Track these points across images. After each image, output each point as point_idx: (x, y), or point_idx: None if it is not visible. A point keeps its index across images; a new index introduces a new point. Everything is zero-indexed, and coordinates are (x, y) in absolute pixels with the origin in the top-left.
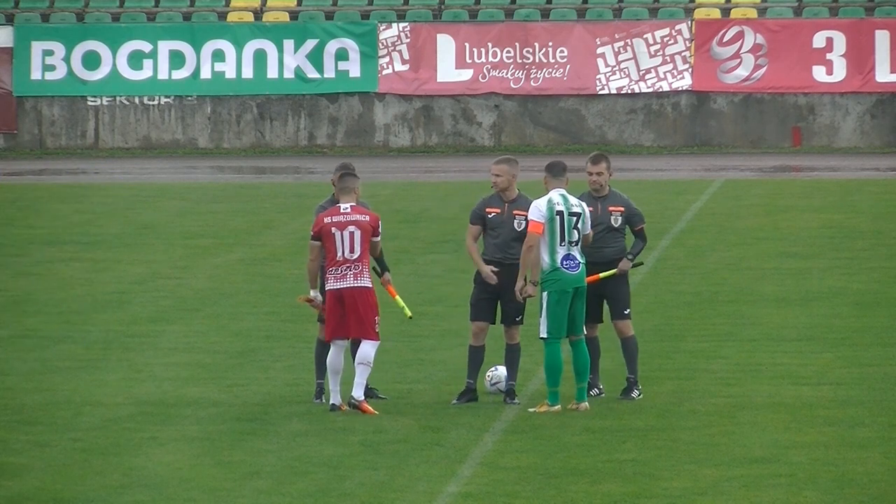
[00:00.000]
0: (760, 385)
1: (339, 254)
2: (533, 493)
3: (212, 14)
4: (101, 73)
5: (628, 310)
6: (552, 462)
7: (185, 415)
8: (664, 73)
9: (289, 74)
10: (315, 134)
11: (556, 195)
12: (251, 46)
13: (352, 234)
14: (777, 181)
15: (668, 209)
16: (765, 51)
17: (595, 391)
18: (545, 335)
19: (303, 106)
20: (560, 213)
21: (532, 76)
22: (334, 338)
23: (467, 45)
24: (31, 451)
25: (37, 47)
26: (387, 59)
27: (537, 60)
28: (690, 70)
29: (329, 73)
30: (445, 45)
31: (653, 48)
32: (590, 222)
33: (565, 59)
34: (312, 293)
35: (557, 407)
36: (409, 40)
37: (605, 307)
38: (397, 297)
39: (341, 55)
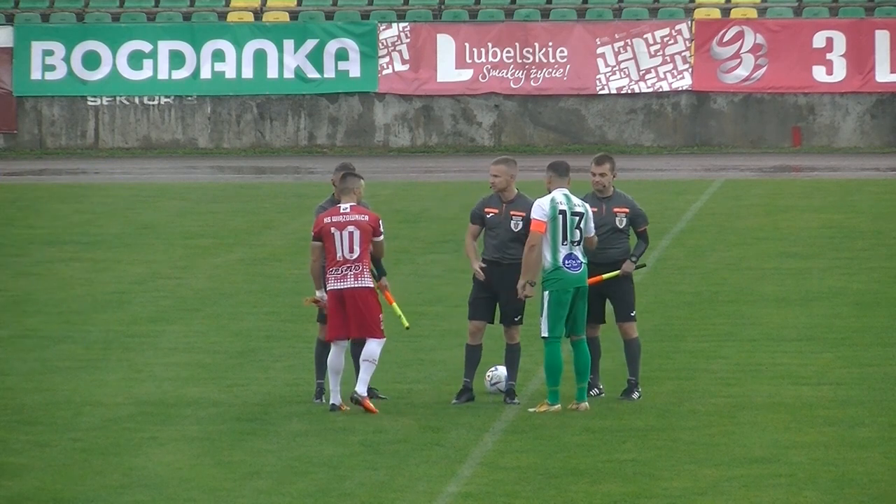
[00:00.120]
0: (760, 385)
1: (339, 254)
2: (533, 493)
3: (212, 14)
4: (101, 73)
5: (634, 312)
6: (552, 462)
7: (185, 415)
8: (664, 73)
9: (289, 74)
10: (315, 134)
11: (559, 194)
12: (251, 46)
13: (351, 234)
14: (777, 181)
15: (668, 209)
16: (765, 51)
17: (595, 391)
18: (546, 334)
19: (303, 106)
20: (563, 212)
21: (532, 76)
22: (335, 338)
23: (467, 45)
24: (31, 451)
25: (37, 47)
26: (387, 59)
27: (537, 60)
28: (690, 70)
29: (329, 73)
30: (445, 45)
31: (653, 48)
32: (593, 223)
33: (565, 59)
34: (318, 294)
35: (557, 406)
36: (409, 40)
37: (608, 308)
38: (395, 304)
39: (341, 55)
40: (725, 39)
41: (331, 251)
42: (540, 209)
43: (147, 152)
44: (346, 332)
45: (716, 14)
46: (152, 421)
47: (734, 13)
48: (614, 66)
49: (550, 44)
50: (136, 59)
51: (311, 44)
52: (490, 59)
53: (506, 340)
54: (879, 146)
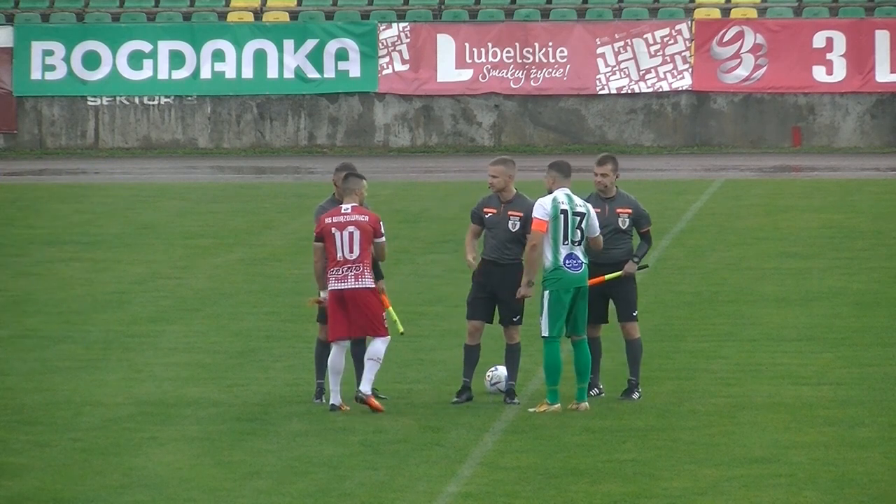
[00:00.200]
0: (760, 385)
1: (339, 254)
2: (533, 493)
3: (212, 14)
4: (101, 73)
5: (636, 312)
6: (552, 462)
7: (185, 415)
8: (664, 73)
9: (289, 74)
10: (315, 134)
11: (561, 194)
12: (251, 46)
13: (351, 234)
14: (777, 181)
15: (668, 209)
16: (765, 51)
17: (595, 391)
18: (546, 334)
19: (303, 106)
20: (564, 212)
21: (532, 76)
22: (336, 338)
23: (467, 45)
24: (31, 451)
25: (37, 47)
26: (387, 59)
27: (537, 60)
28: (690, 70)
29: (329, 73)
30: (445, 45)
31: (653, 48)
32: (596, 223)
33: (565, 59)
34: (322, 294)
35: (557, 406)
36: (409, 40)
37: (610, 308)
38: (391, 308)
39: (341, 55)
40: (725, 39)
41: (331, 251)
42: (542, 208)
43: (147, 152)
44: (348, 332)
45: (716, 14)
46: (152, 421)
47: (734, 13)
48: (614, 66)
49: (550, 44)
50: (136, 59)
51: (311, 44)
52: (490, 59)
53: (505, 340)
54: (879, 146)
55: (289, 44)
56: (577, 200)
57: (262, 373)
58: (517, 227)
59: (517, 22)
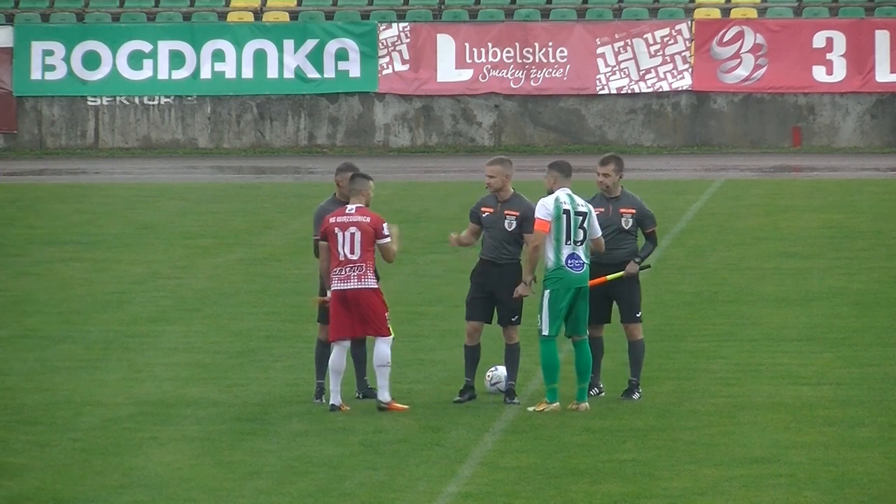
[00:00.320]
0: (760, 385)
1: (341, 254)
2: (533, 493)
3: (212, 14)
4: (101, 73)
5: (639, 313)
6: (552, 462)
7: (185, 415)
8: (664, 73)
9: (289, 74)
10: (315, 134)
11: (562, 194)
12: (251, 46)
13: (352, 235)
14: (777, 181)
15: (668, 209)
16: (765, 51)
17: (595, 390)
18: (545, 333)
19: (303, 106)
20: (567, 212)
21: (532, 76)
22: (337, 338)
23: (467, 45)
24: (31, 451)
25: (37, 47)
26: (387, 59)
27: (537, 60)
28: (690, 70)
29: (329, 73)
30: (445, 45)
31: (653, 48)
32: (597, 223)
33: (565, 59)
34: (330, 291)
35: (556, 404)
36: (409, 40)
37: (614, 308)
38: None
39: (341, 55)
40: (725, 39)
41: (334, 251)
42: (544, 209)
43: (147, 152)
44: (350, 333)
45: (716, 14)
46: (152, 421)
47: (734, 13)
48: (614, 66)
49: (550, 44)
50: (136, 59)
51: (311, 44)
52: (490, 59)
53: (505, 340)
54: (879, 146)
55: (289, 44)
56: (579, 200)
57: (262, 373)
58: (513, 226)
59: (517, 22)
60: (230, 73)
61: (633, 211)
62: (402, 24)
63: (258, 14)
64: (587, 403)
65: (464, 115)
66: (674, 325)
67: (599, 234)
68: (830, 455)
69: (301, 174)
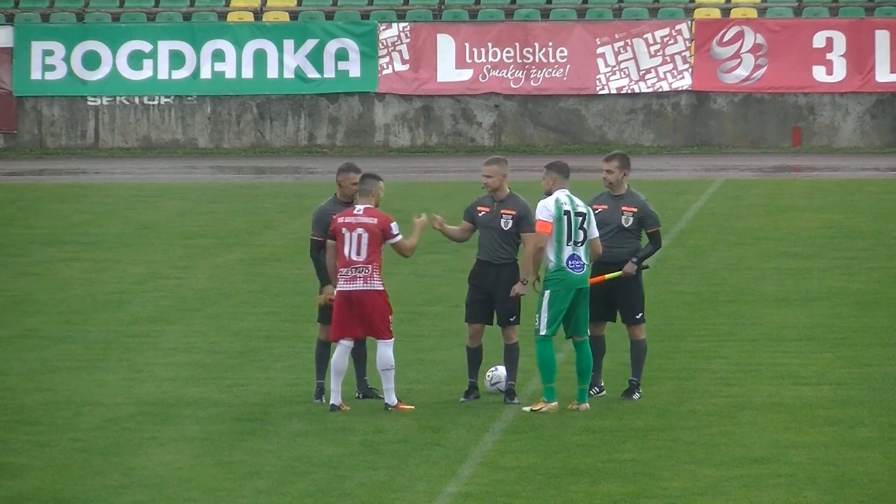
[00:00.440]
0: (760, 385)
1: (347, 255)
2: (533, 493)
3: (212, 14)
4: (101, 73)
5: (640, 314)
6: (552, 462)
7: (185, 415)
8: (664, 73)
9: (289, 74)
10: (315, 134)
11: (562, 195)
12: (251, 46)
13: (359, 236)
14: (777, 181)
15: (668, 209)
16: (765, 51)
17: (596, 389)
18: (544, 332)
19: (303, 106)
20: (567, 213)
21: (532, 76)
22: (339, 338)
23: (467, 45)
24: (31, 451)
25: (37, 47)
26: (387, 59)
27: (537, 60)
28: (690, 70)
29: (329, 73)
30: (445, 45)
31: (653, 48)
32: (595, 224)
33: (565, 59)
34: (335, 291)
35: (554, 403)
36: (409, 40)
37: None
38: None
39: (341, 55)
40: (725, 39)
41: (341, 252)
42: (546, 210)
43: (147, 152)
44: (352, 333)
45: (716, 14)
46: (152, 421)
47: (734, 13)
48: (614, 66)
49: (550, 44)
50: (136, 59)
51: (311, 44)
52: (490, 59)
53: (503, 341)
54: (879, 146)
55: (289, 44)
56: (578, 201)
57: (262, 373)
58: (510, 225)
59: (517, 22)
60: (230, 73)
61: (635, 210)
62: (402, 24)
63: (258, 14)
64: (587, 404)
65: (464, 115)
66: (674, 325)
67: (597, 234)
68: (830, 455)
69: (301, 174)
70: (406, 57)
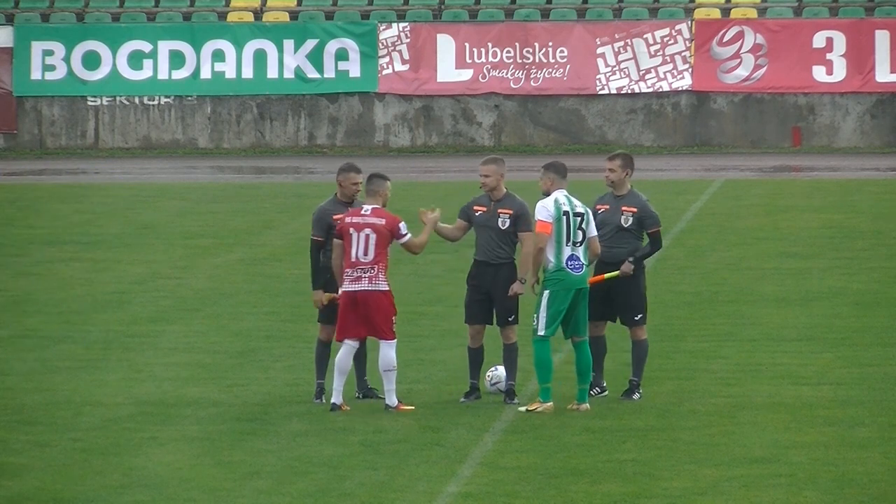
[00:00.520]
0: (760, 385)
1: (354, 255)
2: (533, 493)
3: (212, 14)
4: (101, 73)
5: (639, 316)
6: (552, 462)
7: (185, 415)
8: (664, 73)
9: (289, 74)
10: (315, 134)
11: (561, 195)
12: (251, 46)
13: (367, 236)
14: (777, 181)
15: (668, 209)
16: (765, 51)
17: (597, 390)
18: (542, 333)
19: (303, 106)
20: (566, 213)
21: (532, 76)
22: (343, 338)
23: (467, 45)
24: (31, 451)
25: (37, 47)
26: (387, 59)
27: (537, 60)
28: (690, 70)
29: (329, 73)
30: (445, 45)
31: (653, 48)
32: (594, 224)
33: (565, 59)
34: (340, 290)
35: (550, 403)
36: (409, 40)
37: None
38: None
39: (341, 55)
40: (725, 39)
41: (347, 252)
42: (545, 210)
43: (147, 152)
44: (356, 333)
45: (716, 14)
46: (152, 421)
47: (734, 13)
48: (614, 66)
49: (550, 44)
50: (136, 59)
51: (311, 44)
52: (490, 59)
53: (502, 341)
54: (879, 146)
55: (289, 44)
56: (576, 201)
57: (262, 373)
58: (507, 224)
59: (517, 22)
60: (230, 73)
61: (635, 210)
62: (402, 24)
63: (258, 14)
64: (587, 404)
65: (464, 115)
66: (674, 325)
67: (595, 234)
68: (830, 455)
69: (301, 174)
70: (406, 57)
